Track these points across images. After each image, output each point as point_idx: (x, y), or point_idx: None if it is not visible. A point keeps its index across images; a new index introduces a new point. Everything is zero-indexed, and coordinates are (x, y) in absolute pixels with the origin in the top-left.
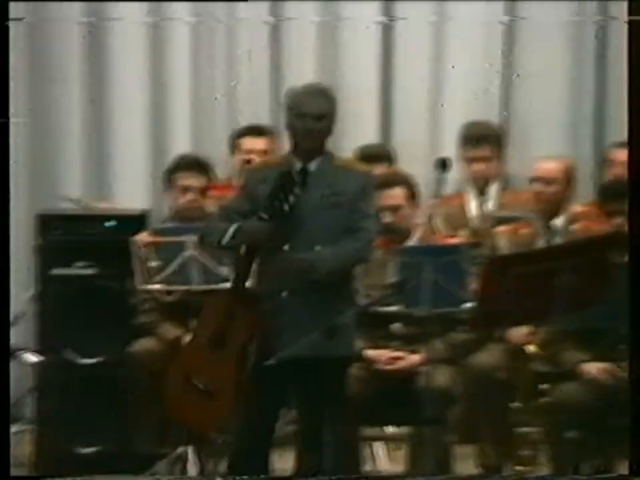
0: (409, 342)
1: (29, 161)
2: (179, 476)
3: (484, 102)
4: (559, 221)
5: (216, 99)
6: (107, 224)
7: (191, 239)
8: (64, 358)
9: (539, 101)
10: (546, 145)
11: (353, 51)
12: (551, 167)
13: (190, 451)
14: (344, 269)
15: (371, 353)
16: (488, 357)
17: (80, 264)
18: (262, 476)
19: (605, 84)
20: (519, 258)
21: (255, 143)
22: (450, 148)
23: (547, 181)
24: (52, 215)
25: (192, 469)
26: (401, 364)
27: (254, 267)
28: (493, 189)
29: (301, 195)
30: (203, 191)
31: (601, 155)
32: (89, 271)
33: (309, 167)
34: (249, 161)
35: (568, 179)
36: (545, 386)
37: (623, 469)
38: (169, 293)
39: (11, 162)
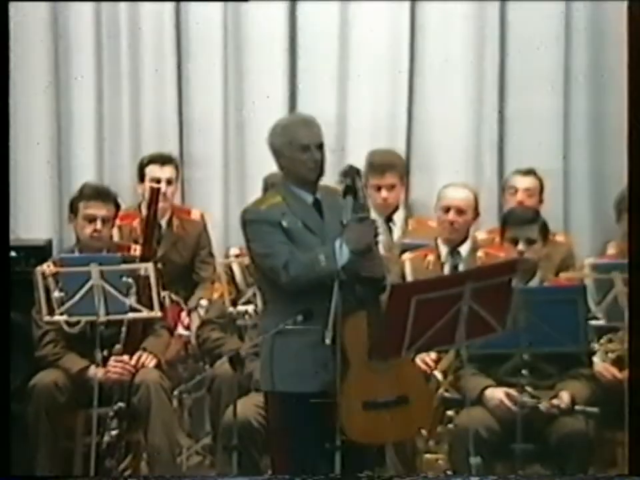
0: None
1: None
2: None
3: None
4: (463, 248)
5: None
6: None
7: (95, 268)
8: None
9: (441, 128)
10: (449, 173)
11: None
12: (461, 196)
13: None
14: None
15: None
16: None
17: None
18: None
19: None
20: (423, 284)
21: (161, 172)
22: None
23: (458, 210)
24: None
25: None
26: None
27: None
28: (398, 216)
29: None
30: (107, 220)
31: (504, 182)
32: None
33: (317, 196)
34: (158, 190)
35: (475, 206)
36: (450, 412)
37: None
38: (73, 323)
39: None
